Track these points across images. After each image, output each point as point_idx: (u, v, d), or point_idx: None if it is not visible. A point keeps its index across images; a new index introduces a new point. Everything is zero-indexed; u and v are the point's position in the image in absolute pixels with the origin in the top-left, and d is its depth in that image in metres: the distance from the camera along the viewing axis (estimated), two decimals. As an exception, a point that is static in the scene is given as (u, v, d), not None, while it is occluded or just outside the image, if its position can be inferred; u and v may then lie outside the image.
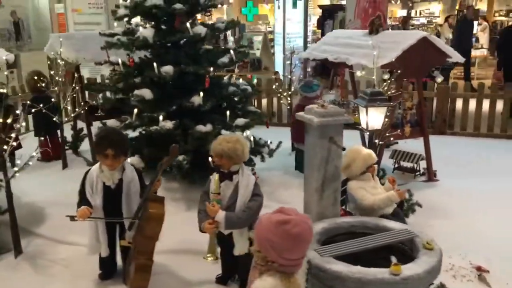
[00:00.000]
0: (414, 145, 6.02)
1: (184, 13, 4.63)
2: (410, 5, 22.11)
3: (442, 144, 6.92)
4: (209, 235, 3.31)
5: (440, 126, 7.71)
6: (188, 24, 4.53)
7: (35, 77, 6.40)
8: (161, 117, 4.51)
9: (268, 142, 5.21)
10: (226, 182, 3.30)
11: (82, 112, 6.23)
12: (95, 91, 6.29)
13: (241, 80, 5.17)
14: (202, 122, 4.65)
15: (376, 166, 3.97)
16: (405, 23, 12.95)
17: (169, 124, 4.47)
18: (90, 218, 3.37)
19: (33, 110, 5.71)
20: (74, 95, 6.36)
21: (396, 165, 6.11)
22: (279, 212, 2.31)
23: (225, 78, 5.14)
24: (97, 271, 3.75)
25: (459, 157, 6.59)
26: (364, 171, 3.86)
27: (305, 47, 12.08)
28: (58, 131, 6.46)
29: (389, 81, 4.72)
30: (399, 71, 4.63)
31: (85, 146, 6.90)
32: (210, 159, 4.64)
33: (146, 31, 4.52)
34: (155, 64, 4.53)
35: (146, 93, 4.59)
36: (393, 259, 2.61)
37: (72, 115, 6.25)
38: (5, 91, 4.54)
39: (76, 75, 6.33)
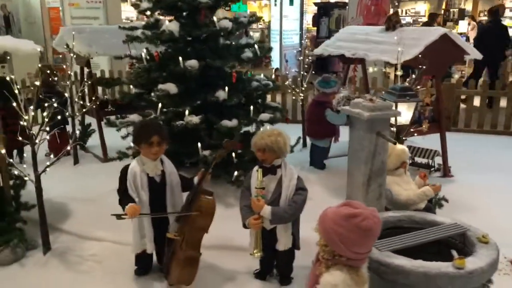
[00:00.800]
0: (424, 142, 6.04)
1: (208, 7, 4.58)
2: (396, 4, 22.27)
3: (449, 140, 6.98)
4: (254, 231, 3.26)
5: (445, 123, 7.77)
6: (215, 18, 4.48)
7: (47, 71, 6.26)
8: (187, 112, 4.45)
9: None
10: (269, 176, 3.27)
11: (93, 107, 6.12)
12: (112, 85, 6.22)
13: (262, 75, 5.13)
14: (226, 117, 4.60)
15: (408, 162, 4.00)
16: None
17: (195, 119, 4.41)
18: (142, 215, 3.28)
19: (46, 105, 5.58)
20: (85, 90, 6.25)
21: (411, 161, 6.14)
22: (346, 205, 2.29)
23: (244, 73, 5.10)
24: (131, 267, 3.69)
25: (468, 153, 6.65)
26: (398, 166, 3.88)
27: (301, 44, 12.09)
28: (67, 127, 6.36)
29: (413, 76, 4.74)
30: (423, 67, 4.63)
31: (92, 142, 6.81)
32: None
33: (171, 25, 4.44)
34: (180, 58, 4.46)
35: (171, 88, 4.52)
36: (454, 253, 2.62)
37: (84, 110, 6.10)
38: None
39: (86, 69, 6.23)
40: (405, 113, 4.30)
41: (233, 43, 4.80)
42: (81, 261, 3.86)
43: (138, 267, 3.65)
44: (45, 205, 4.17)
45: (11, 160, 3.78)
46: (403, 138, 4.60)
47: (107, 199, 4.68)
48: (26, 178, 3.76)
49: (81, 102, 5.98)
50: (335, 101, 5.19)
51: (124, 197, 3.33)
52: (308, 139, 6.13)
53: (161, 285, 3.51)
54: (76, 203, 4.68)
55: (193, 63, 4.49)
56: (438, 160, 5.85)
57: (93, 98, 6.11)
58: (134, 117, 4.79)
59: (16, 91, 3.61)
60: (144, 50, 4.88)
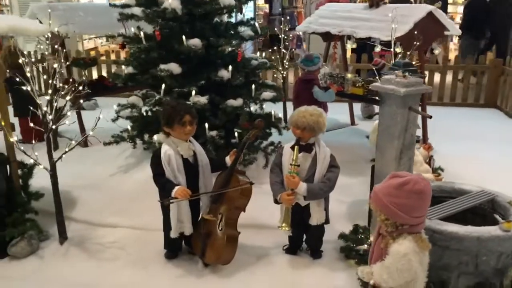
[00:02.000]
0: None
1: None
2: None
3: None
4: (285, 206, 3.32)
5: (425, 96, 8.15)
6: (218, -5, 4.40)
7: (14, 52, 5.88)
8: (193, 92, 4.38)
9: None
10: (303, 154, 3.33)
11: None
12: (89, 66, 5.94)
13: (258, 54, 5.13)
14: (230, 97, 4.58)
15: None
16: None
17: (203, 99, 4.34)
18: (191, 197, 3.25)
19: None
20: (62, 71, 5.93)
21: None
22: (394, 177, 2.42)
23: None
24: (157, 251, 3.65)
25: (443, 125, 6.97)
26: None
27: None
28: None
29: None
30: (417, 43, 4.81)
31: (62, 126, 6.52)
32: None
33: (174, 2, 4.30)
34: (184, 37, 4.36)
35: (174, 68, 4.42)
36: (499, 218, 2.82)
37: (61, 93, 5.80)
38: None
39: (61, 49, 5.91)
40: (406, 88, 4.46)
41: (233, 21, 4.74)
42: (103, 249, 3.75)
43: (168, 251, 3.61)
44: (46, 194, 4.02)
45: (22, 148, 3.57)
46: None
47: (109, 185, 4.61)
48: (41, 166, 3.58)
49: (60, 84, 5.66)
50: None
51: (166, 181, 3.28)
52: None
53: (196, 265, 3.49)
54: (78, 190, 4.51)
55: (196, 42, 4.41)
56: (418, 132, 6.11)
57: (70, 80, 5.83)
58: (134, 99, 4.65)
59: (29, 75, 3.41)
60: (133, 29, 4.72)
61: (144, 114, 4.77)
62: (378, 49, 5.95)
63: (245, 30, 4.73)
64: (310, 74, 5.77)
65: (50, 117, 3.50)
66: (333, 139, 5.53)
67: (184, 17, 4.41)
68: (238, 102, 4.55)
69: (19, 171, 3.83)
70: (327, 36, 6.41)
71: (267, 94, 4.75)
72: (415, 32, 4.83)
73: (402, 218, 2.33)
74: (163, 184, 3.29)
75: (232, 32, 4.71)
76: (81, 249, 3.74)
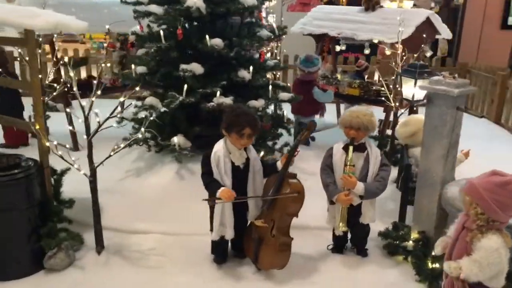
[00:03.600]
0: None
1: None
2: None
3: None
4: (341, 207, 3.36)
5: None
6: (240, -6, 4.35)
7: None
8: (218, 93, 4.30)
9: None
10: (356, 153, 3.38)
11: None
12: (80, 66, 5.65)
13: (269, 55, 5.12)
14: (250, 98, 4.55)
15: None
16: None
17: (228, 100, 4.28)
18: (236, 199, 3.16)
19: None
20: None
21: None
22: (495, 174, 2.53)
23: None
24: (201, 256, 3.58)
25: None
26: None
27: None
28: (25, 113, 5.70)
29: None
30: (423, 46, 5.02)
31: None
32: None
33: (198, 1, 4.20)
34: (207, 37, 4.27)
35: (197, 68, 4.32)
36: None
37: (53, 94, 5.49)
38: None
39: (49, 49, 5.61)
40: (418, 90, 4.63)
41: (253, 21, 4.71)
42: (143, 256, 3.59)
43: (215, 256, 3.53)
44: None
45: (60, 153, 3.34)
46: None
47: (126, 189, 4.44)
48: (81, 172, 3.37)
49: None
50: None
51: (212, 181, 3.22)
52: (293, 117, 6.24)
53: (249, 270, 3.44)
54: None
55: (218, 41, 4.33)
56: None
57: (61, 80, 5.53)
58: (152, 100, 4.48)
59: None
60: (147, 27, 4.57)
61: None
62: (367, 51, 6.16)
63: (261, 31, 4.69)
64: (310, 75, 5.85)
65: (98, 119, 3.25)
66: (324, 140, 5.60)
67: (207, 16, 4.31)
68: (260, 102, 4.53)
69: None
70: (319, 38, 6.51)
71: (285, 94, 4.76)
72: (424, 35, 5.04)
73: (499, 215, 2.43)
74: (209, 183, 3.23)
75: (251, 33, 4.66)
76: (121, 257, 3.55)
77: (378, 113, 6.11)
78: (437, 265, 3.24)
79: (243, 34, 4.58)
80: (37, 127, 3.32)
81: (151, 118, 3.80)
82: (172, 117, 4.51)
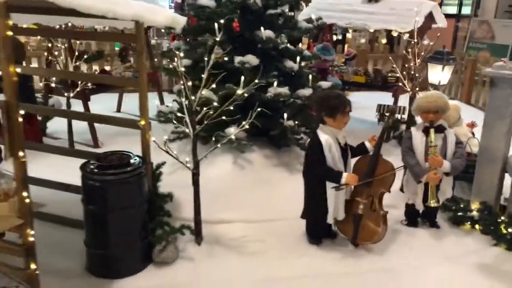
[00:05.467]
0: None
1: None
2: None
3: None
4: (431, 184, 3.67)
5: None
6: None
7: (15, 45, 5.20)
8: (275, 84, 4.46)
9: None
10: (436, 134, 3.70)
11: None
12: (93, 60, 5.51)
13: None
14: (297, 87, 4.75)
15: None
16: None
17: (284, 90, 4.45)
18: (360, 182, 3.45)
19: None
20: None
21: (379, 117, 7.06)
22: None
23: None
24: (293, 239, 3.78)
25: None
26: (458, 118, 4.68)
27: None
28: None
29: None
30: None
31: (53, 125, 6.02)
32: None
33: (252, -7, 4.32)
34: (262, 29, 4.40)
35: (253, 60, 4.43)
36: None
37: (76, 90, 5.33)
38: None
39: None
40: (447, 75, 5.08)
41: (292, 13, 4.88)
42: (241, 244, 3.71)
43: (316, 237, 3.74)
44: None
45: (163, 148, 3.36)
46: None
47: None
48: (188, 165, 3.41)
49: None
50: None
51: (330, 169, 3.43)
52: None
53: (347, 246, 3.69)
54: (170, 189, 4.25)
55: (270, 33, 4.48)
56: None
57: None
58: (207, 94, 4.51)
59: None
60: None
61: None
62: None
63: (301, 22, 4.88)
64: (324, 63, 6.13)
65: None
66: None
67: (261, 9, 4.43)
68: (308, 91, 4.73)
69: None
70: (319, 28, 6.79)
71: (326, 83, 5.00)
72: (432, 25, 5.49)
73: None
74: (328, 172, 3.43)
75: (294, 24, 4.83)
76: (221, 247, 3.64)
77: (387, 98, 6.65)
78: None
79: (289, 25, 4.73)
80: (143, 123, 3.31)
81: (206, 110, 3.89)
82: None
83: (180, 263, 3.43)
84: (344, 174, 3.39)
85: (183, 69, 3.33)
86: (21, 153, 2.37)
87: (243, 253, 3.61)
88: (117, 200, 3.15)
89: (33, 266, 2.58)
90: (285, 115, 4.55)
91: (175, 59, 4.72)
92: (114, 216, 3.16)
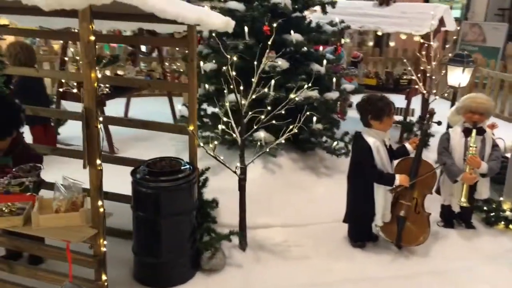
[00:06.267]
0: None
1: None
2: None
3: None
4: (465, 184, 3.72)
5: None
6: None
7: (25, 49, 5.07)
8: (305, 86, 4.44)
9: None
10: (476, 136, 3.75)
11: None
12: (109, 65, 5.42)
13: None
14: (323, 90, 4.76)
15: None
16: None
17: (315, 93, 4.45)
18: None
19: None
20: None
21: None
22: None
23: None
24: (334, 242, 3.80)
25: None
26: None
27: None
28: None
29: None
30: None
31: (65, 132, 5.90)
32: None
33: (286, -2, 4.31)
34: (292, 32, 4.40)
35: (283, 63, 4.43)
36: None
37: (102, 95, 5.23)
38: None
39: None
40: (465, 77, 5.16)
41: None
42: (284, 248, 3.70)
43: (358, 240, 3.74)
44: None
45: (211, 154, 3.31)
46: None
47: (225, 188, 4.41)
48: (236, 171, 3.38)
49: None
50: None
51: (381, 172, 3.46)
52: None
53: (391, 249, 3.71)
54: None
55: (299, 37, 4.48)
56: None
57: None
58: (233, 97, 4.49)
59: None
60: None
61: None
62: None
63: (325, 26, 4.90)
64: (337, 67, 6.14)
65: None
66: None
67: (291, 12, 4.43)
68: (335, 94, 4.75)
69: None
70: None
71: (349, 86, 5.03)
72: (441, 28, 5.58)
73: None
74: (381, 175, 3.45)
75: (319, 27, 4.84)
76: (265, 252, 3.62)
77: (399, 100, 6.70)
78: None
79: (314, 28, 4.74)
80: (191, 128, 3.26)
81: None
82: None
83: (228, 270, 3.39)
84: (397, 176, 3.41)
85: (234, 73, 3.25)
86: (98, 161, 2.30)
87: (287, 258, 3.59)
88: (170, 207, 3.08)
89: (104, 277, 2.51)
90: (314, 119, 4.53)
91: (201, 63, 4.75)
92: (166, 222, 3.10)
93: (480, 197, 3.90)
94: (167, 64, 6.85)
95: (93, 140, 2.26)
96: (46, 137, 5.34)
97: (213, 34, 4.37)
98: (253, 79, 3.34)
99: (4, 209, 2.40)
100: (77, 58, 5.16)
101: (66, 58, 5.51)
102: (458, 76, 5.16)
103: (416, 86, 5.80)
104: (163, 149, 4.68)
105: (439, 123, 3.78)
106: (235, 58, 3.52)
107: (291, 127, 3.50)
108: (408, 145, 3.71)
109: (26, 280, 2.78)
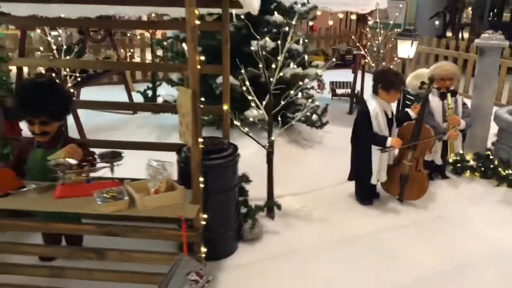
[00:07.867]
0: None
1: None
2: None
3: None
4: (450, 140, 4.33)
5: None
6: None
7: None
8: (291, 64, 4.76)
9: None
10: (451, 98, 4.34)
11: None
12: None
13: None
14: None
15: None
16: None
17: (301, 71, 4.81)
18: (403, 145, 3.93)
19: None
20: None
21: (332, 93, 7.70)
22: None
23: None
24: (344, 203, 4.24)
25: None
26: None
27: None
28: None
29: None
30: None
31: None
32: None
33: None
34: (276, 13, 4.69)
35: (269, 43, 4.66)
36: None
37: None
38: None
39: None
40: (413, 49, 5.81)
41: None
42: (306, 213, 4.05)
43: (366, 198, 4.20)
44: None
45: (244, 131, 3.51)
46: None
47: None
48: (265, 146, 3.62)
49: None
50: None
51: (375, 134, 3.88)
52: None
53: (395, 203, 4.22)
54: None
55: (280, 18, 4.78)
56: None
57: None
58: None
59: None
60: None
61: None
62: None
63: (296, 6, 5.22)
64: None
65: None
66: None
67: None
68: (313, 70, 5.14)
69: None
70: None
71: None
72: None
73: None
74: (374, 137, 3.89)
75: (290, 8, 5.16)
76: (291, 218, 3.92)
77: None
78: (510, 171, 4.49)
79: (288, 9, 5.05)
80: (225, 107, 3.43)
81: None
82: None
83: (267, 238, 3.64)
84: (389, 139, 3.86)
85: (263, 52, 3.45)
86: (200, 139, 2.44)
87: (312, 221, 3.93)
88: (218, 184, 3.23)
89: (203, 249, 2.64)
90: (299, 94, 4.85)
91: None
92: (214, 199, 3.23)
93: (457, 150, 4.53)
94: (122, 51, 6.72)
95: (198, 120, 2.38)
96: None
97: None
98: (278, 58, 3.54)
99: (106, 195, 2.43)
100: (53, 46, 4.93)
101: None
102: (407, 49, 5.78)
103: (363, 61, 6.37)
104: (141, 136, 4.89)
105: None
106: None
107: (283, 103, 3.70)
108: (410, 111, 4.20)
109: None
